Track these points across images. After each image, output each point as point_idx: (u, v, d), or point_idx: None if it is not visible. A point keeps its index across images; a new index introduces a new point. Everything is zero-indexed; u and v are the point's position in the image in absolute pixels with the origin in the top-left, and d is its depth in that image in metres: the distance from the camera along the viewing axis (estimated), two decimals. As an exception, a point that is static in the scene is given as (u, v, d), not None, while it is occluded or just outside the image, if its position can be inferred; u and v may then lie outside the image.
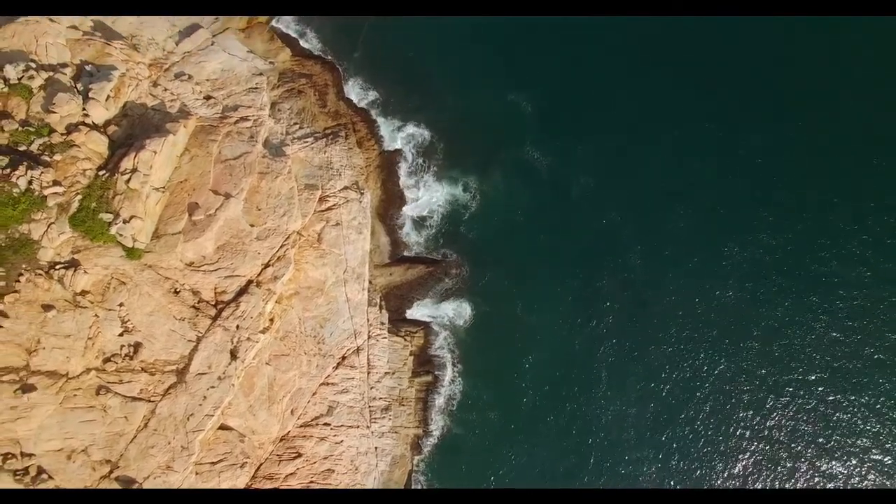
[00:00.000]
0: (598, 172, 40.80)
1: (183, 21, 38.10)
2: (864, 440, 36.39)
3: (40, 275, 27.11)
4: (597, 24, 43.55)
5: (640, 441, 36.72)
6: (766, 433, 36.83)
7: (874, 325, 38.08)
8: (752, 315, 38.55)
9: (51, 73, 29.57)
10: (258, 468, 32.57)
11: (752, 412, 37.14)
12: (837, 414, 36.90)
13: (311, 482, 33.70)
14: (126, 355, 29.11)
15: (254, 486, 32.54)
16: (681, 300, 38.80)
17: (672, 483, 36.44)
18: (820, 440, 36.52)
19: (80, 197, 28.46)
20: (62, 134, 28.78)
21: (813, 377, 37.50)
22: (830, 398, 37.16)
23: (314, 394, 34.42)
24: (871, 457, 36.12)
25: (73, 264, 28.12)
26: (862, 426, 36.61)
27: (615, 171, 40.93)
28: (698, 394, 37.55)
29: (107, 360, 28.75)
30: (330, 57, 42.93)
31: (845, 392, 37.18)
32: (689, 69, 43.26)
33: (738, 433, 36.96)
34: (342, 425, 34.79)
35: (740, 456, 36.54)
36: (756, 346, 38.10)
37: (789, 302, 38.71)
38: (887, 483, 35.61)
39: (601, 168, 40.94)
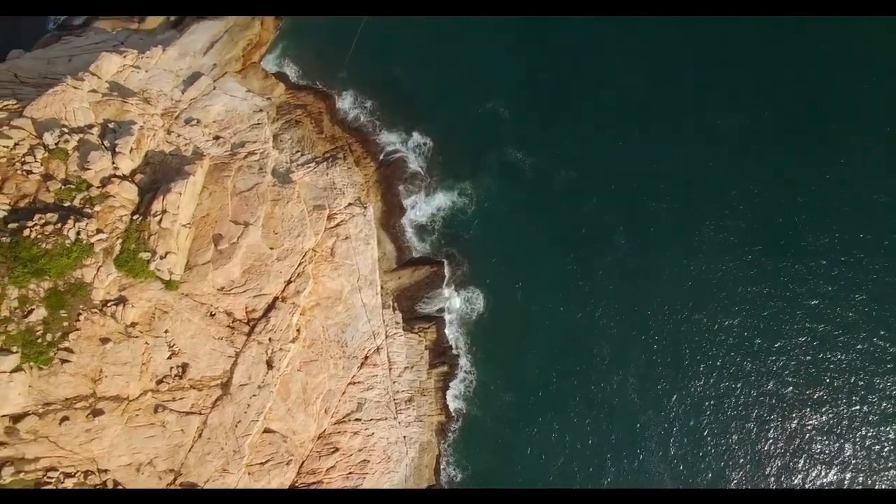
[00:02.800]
0: (575, 164, 44.43)
1: (185, 71, 41.73)
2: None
3: (95, 312, 30.63)
4: (565, 26, 47.25)
5: (643, 408, 40.02)
6: (763, 410, 39.72)
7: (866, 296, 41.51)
8: (738, 286, 41.81)
9: (81, 135, 33.11)
10: (301, 464, 35.86)
11: (750, 389, 40.15)
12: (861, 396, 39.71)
13: (350, 473, 37.01)
14: (176, 375, 32.55)
15: (299, 482, 35.93)
16: (667, 275, 42.26)
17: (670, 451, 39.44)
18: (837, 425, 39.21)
19: (120, 241, 31.85)
20: (98, 187, 32.30)
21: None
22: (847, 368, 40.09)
23: (343, 393, 37.67)
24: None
25: (121, 300, 31.62)
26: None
27: (591, 161, 44.55)
28: (687, 359, 41.01)
29: (160, 382, 32.14)
30: (319, 85, 46.69)
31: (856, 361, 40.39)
32: (656, 63, 46.97)
33: (739, 405, 39.77)
34: (372, 419, 38.11)
35: (748, 437, 39.25)
36: (742, 314, 41.37)
37: (768, 269, 42.12)
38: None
39: (578, 160, 44.58)
